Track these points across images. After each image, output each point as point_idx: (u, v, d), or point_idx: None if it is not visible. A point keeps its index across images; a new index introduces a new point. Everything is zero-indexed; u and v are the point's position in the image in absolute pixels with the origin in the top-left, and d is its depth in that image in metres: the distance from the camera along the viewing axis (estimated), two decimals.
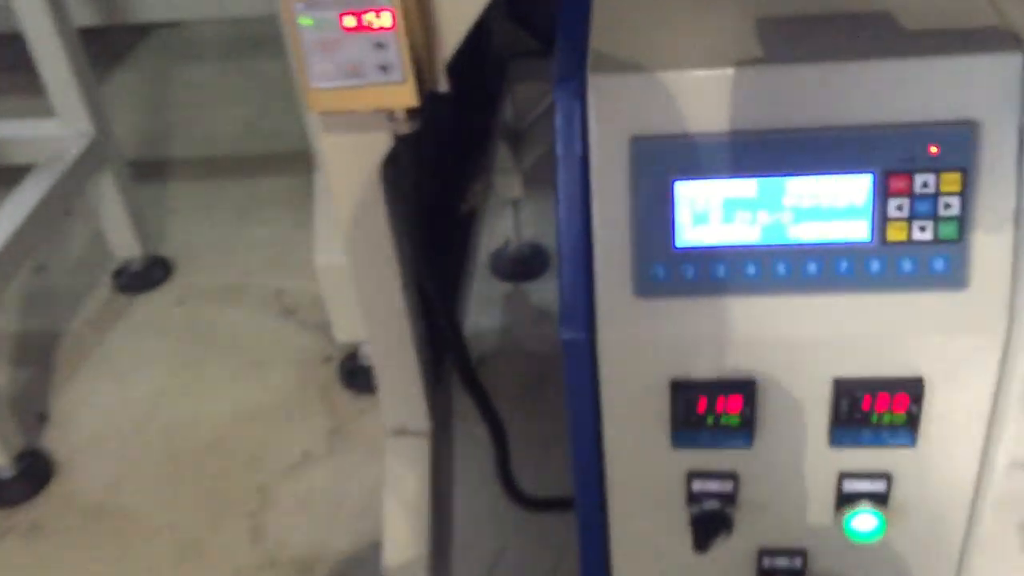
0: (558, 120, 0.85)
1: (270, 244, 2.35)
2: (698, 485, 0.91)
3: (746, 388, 0.87)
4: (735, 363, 0.86)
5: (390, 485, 1.13)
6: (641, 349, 0.89)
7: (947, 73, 0.79)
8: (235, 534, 1.68)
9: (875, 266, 0.84)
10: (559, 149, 0.86)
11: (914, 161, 0.81)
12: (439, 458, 1.17)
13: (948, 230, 0.82)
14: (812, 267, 0.85)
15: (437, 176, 1.31)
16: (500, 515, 1.50)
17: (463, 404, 1.17)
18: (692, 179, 0.84)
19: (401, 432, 1.13)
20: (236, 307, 2.17)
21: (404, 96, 0.93)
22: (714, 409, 0.90)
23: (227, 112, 2.93)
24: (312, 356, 2.00)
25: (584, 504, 0.98)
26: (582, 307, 0.88)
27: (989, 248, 0.83)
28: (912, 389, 0.88)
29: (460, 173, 1.46)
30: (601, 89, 0.83)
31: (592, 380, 0.92)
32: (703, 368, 0.88)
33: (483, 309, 2.03)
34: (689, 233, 0.85)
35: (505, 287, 2.10)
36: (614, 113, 0.83)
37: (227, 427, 1.86)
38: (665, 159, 0.83)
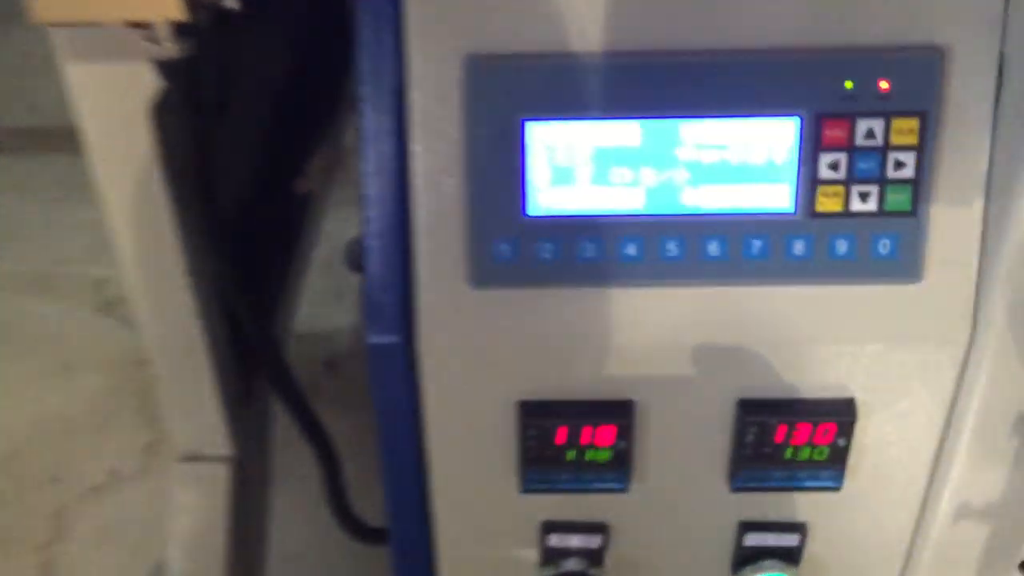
0: (361, 36, 0.59)
1: (93, 227, 2.03)
2: (555, 540, 0.72)
3: (621, 412, 0.66)
4: (607, 378, 0.66)
5: (175, 519, 0.98)
6: (478, 358, 0.64)
7: None
8: (19, 572, 1.45)
9: (798, 247, 0.61)
10: (363, 80, 0.60)
11: (856, 100, 0.58)
12: (246, 487, 1.01)
13: (899, 199, 0.60)
14: (713, 247, 0.61)
15: (256, 145, 1.06)
16: (332, 548, 1.26)
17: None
18: (550, 119, 0.59)
19: (194, 457, 0.98)
20: (48, 298, 1.92)
21: (164, 3, 0.66)
22: (577, 440, 0.66)
23: (55, 79, 2.58)
24: (130, 358, 1.78)
25: (401, 556, 0.72)
26: (395, 300, 0.63)
27: (952, 226, 0.61)
28: (841, 415, 0.66)
29: (294, 143, 1.19)
30: None
31: (411, 400, 0.66)
32: (563, 385, 0.66)
33: (333, 305, 1.82)
34: (545, 197, 0.60)
35: (361, 280, 1.82)
36: (441, 22, 0.58)
37: (23, 439, 1.64)
38: (512, 89, 0.59)
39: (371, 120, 0.61)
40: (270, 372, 0.93)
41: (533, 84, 0.59)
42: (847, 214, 0.61)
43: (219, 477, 0.96)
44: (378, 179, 0.62)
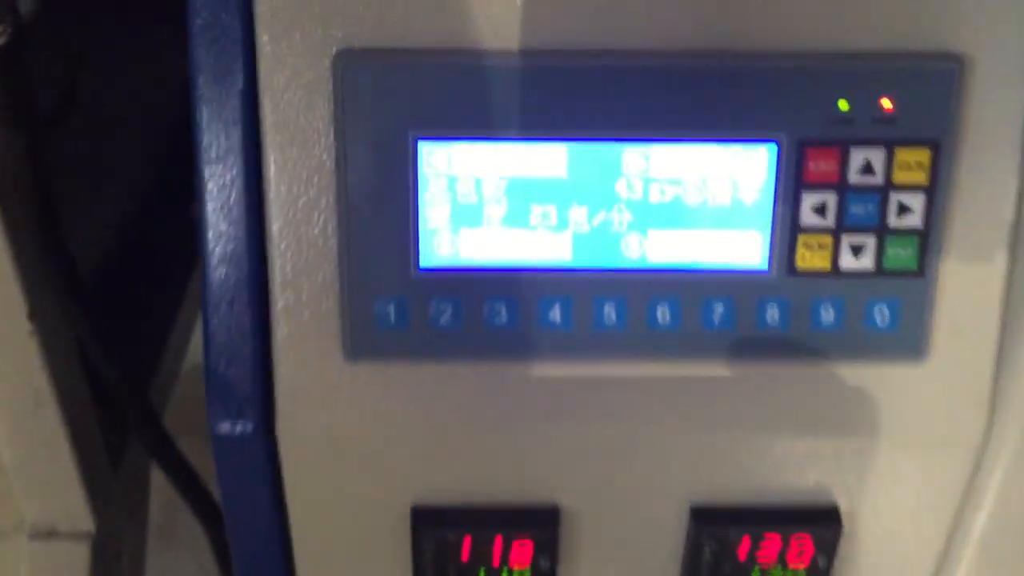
0: (193, 25, 0.44)
1: None
2: None
3: (542, 522, 0.52)
4: (523, 478, 0.51)
5: None
6: (357, 451, 0.49)
7: None
8: None
9: (772, 314, 0.46)
10: (198, 79, 0.45)
11: (850, 124, 0.44)
12: (111, 567, 0.89)
13: (902, 254, 0.46)
14: (662, 313, 0.46)
15: (125, 161, 0.92)
16: None
17: None
18: (451, 139, 0.44)
19: (47, 535, 0.85)
20: None
21: None
22: (486, 557, 0.51)
23: None
24: None
25: None
26: (246, 376, 0.47)
27: (968, 290, 0.47)
28: (821, 526, 0.51)
29: (182, 159, 1.04)
30: None
31: (272, 504, 0.50)
32: (467, 486, 0.51)
33: None
34: (444, 243, 0.45)
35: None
36: (302, 4, 0.43)
37: None
38: (400, 98, 0.44)
39: (210, 134, 0.46)
40: (142, 435, 0.82)
41: (428, 91, 0.45)
42: (835, 273, 0.47)
43: (78, 557, 0.84)
44: (221, 215, 0.46)
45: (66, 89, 0.70)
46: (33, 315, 0.70)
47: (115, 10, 0.79)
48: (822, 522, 0.52)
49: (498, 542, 0.51)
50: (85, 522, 0.82)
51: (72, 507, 0.82)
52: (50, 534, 0.83)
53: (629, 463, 0.51)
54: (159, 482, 0.93)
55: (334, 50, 0.44)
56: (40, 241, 0.69)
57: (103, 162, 0.85)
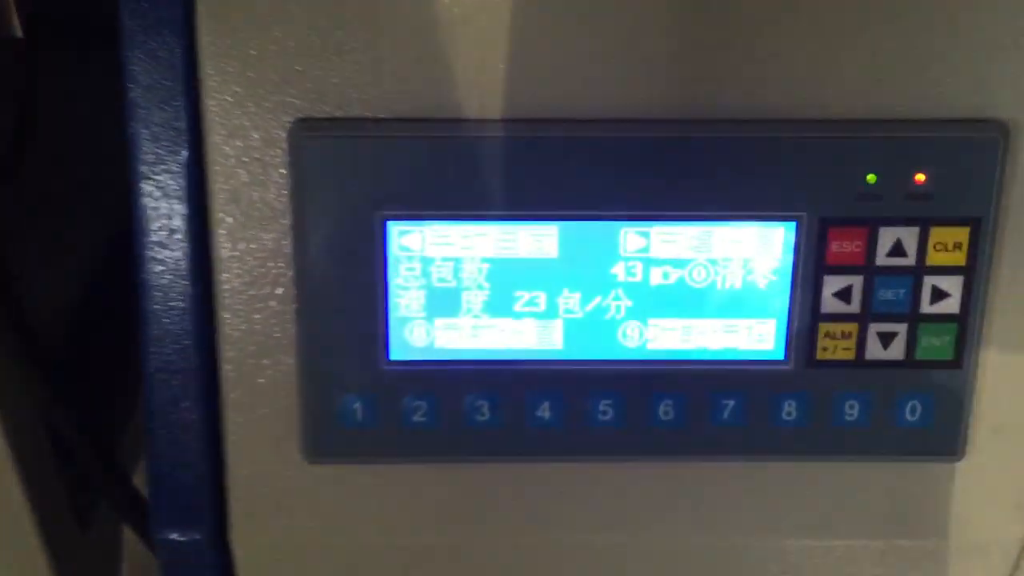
0: (130, 89, 0.39)
1: None
2: None
3: None
4: None
5: None
6: (320, 561, 0.43)
7: (956, 33, 0.37)
8: None
9: (788, 410, 0.41)
10: (137, 148, 0.39)
11: (879, 200, 0.38)
12: None
13: (937, 344, 0.40)
14: (665, 410, 0.41)
15: (87, 198, 0.86)
16: None
17: None
18: (424, 219, 0.38)
19: None
20: None
21: None
22: None
23: None
24: None
25: None
26: (194, 478, 0.41)
27: (1011, 381, 0.41)
28: None
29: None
30: (219, 16, 0.37)
31: None
32: None
33: None
34: (417, 333, 0.40)
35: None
36: (253, 67, 0.37)
37: None
38: (367, 173, 0.38)
39: (151, 211, 0.40)
40: (110, 498, 0.76)
41: (398, 165, 0.39)
42: (861, 363, 0.41)
43: None
44: (164, 300, 0.41)
45: (13, 141, 0.65)
46: None
47: (72, 47, 0.73)
48: None
49: None
50: None
51: (34, 573, 0.77)
52: None
53: (629, 567, 0.45)
54: (133, 541, 0.88)
55: (291, 119, 0.39)
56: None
57: (65, 213, 0.80)
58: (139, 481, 0.84)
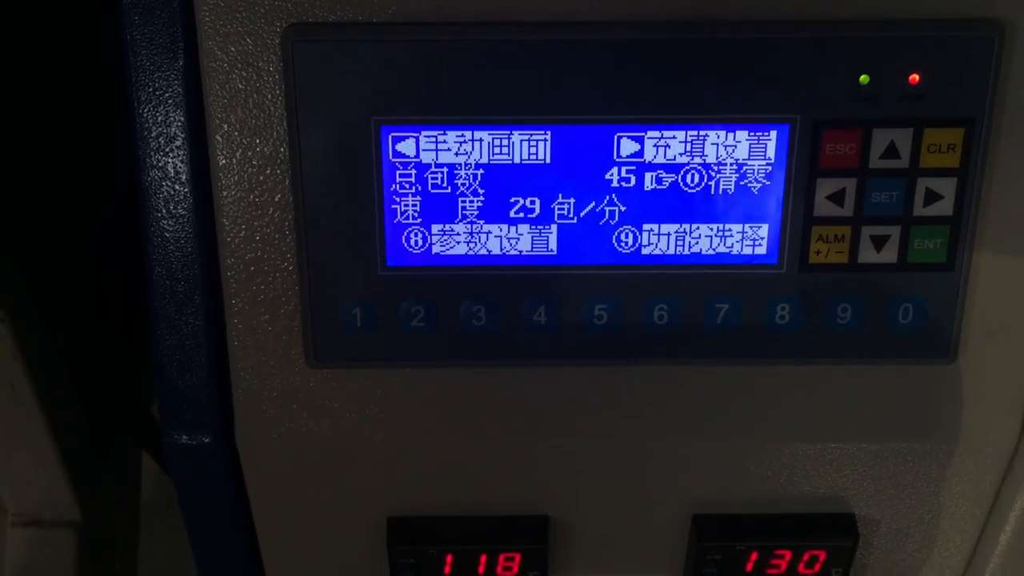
0: (125, 2, 0.39)
1: None
2: None
3: (530, 533, 0.47)
4: (508, 487, 0.47)
5: None
6: (324, 461, 0.44)
7: None
8: None
9: (783, 314, 0.42)
10: (132, 58, 0.39)
11: (872, 102, 0.38)
12: (99, 556, 0.88)
13: (930, 246, 0.41)
14: (659, 312, 0.42)
15: (99, 141, 0.87)
16: None
17: None
18: (420, 126, 0.39)
19: (32, 523, 0.84)
20: None
21: None
22: (471, 572, 0.46)
23: None
24: None
25: None
26: (202, 383, 0.43)
27: (1003, 283, 0.41)
28: (836, 536, 0.46)
29: None
30: None
31: (235, 516, 0.46)
32: (447, 496, 0.47)
33: None
34: (414, 239, 0.40)
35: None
36: None
37: None
38: (361, 79, 0.38)
39: (149, 120, 0.40)
40: (127, 426, 0.81)
41: (392, 71, 0.39)
42: (854, 267, 0.42)
43: (64, 546, 0.83)
44: (164, 210, 0.42)
45: (20, 76, 0.66)
46: (5, 306, 0.68)
47: None
48: (838, 532, 0.47)
49: (484, 557, 0.47)
50: (71, 511, 0.81)
51: (56, 496, 0.81)
52: (33, 523, 0.82)
53: (624, 469, 0.46)
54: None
55: (284, 24, 0.39)
56: (11, 234, 0.67)
57: (76, 152, 0.81)
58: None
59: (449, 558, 0.47)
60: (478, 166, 0.41)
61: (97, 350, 0.79)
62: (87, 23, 0.74)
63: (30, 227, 0.69)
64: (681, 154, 0.40)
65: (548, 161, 0.41)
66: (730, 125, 0.40)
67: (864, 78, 0.39)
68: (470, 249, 0.42)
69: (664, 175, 0.41)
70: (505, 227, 0.42)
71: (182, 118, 0.41)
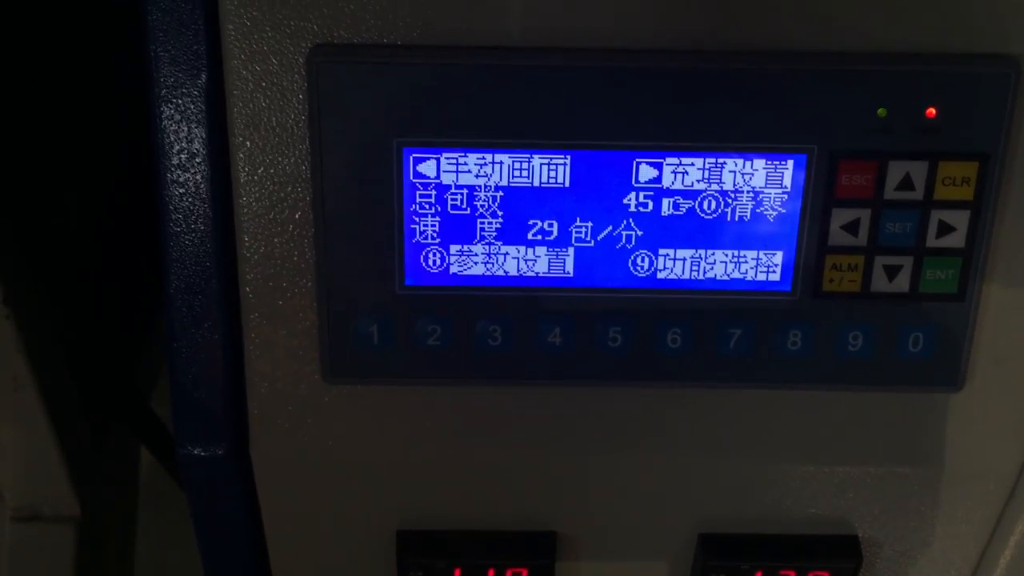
0: (149, 12, 0.39)
1: None
2: None
3: (538, 549, 0.47)
4: (518, 503, 0.48)
5: None
6: (336, 474, 0.45)
7: None
8: None
9: (795, 340, 0.42)
10: (156, 73, 0.40)
11: (888, 134, 0.39)
12: (98, 551, 0.88)
13: (941, 277, 0.41)
14: (673, 337, 0.42)
15: (102, 126, 0.87)
16: None
17: None
18: (440, 148, 0.39)
19: (31, 517, 0.84)
20: None
21: None
22: None
23: None
24: None
25: None
26: (219, 398, 0.43)
27: (1012, 315, 0.42)
28: (839, 558, 0.47)
29: None
30: None
31: (247, 528, 0.46)
32: (457, 511, 0.48)
33: None
34: (432, 259, 0.41)
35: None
36: None
37: None
38: (384, 100, 0.39)
39: (171, 135, 0.41)
40: (124, 417, 0.79)
41: (415, 93, 0.40)
42: (866, 295, 0.42)
43: (63, 540, 0.83)
44: (184, 224, 0.42)
45: (25, 67, 0.65)
46: (8, 299, 0.67)
47: None
48: (841, 554, 0.48)
49: (491, 573, 0.48)
50: (69, 505, 0.81)
51: (55, 490, 0.81)
52: (33, 517, 0.82)
53: (632, 489, 0.47)
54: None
55: (309, 45, 0.39)
56: (12, 224, 0.66)
57: (79, 140, 0.81)
58: (157, 404, 0.86)
59: (457, 572, 0.48)
60: (497, 188, 0.41)
61: (97, 342, 0.79)
62: (91, 16, 0.74)
63: (31, 217, 0.68)
64: (699, 181, 0.41)
65: (567, 185, 0.41)
66: (748, 154, 0.40)
67: (881, 111, 0.39)
68: (487, 270, 0.42)
69: (681, 201, 0.41)
70: (523, 249, 0.42)
71: (204, 134, 0.41)
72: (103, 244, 0.85)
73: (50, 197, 0.74)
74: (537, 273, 0.42)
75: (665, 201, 0.41)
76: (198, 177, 0.41)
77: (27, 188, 0.68)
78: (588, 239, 0.42)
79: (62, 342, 0.74)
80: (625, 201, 0.41)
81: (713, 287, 0.42)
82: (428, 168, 0.41)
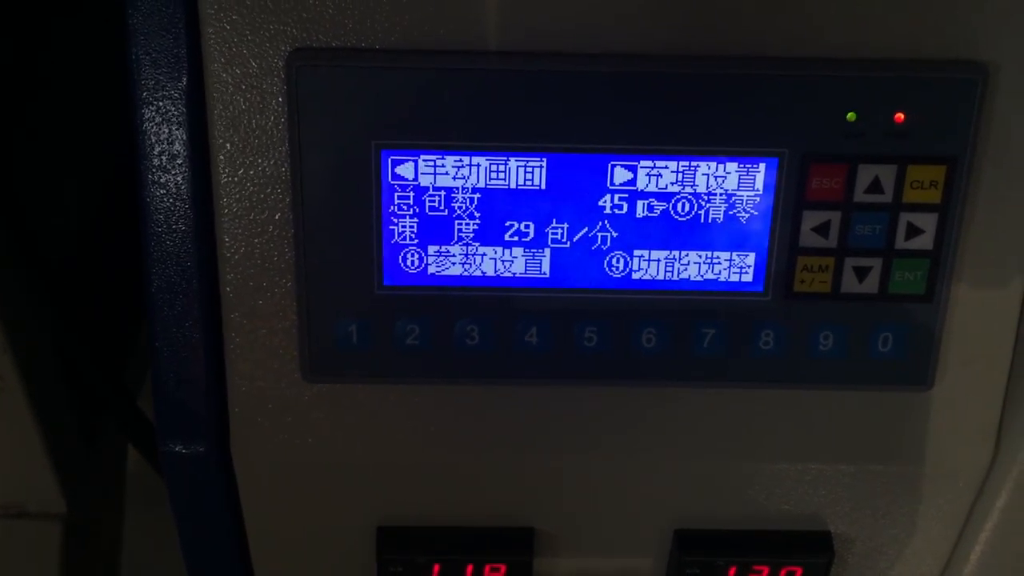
0: (131, 16, 0.40)
1: None
2: None
3: (515, 544, 0.48)
4: (496, 499, 0.48)
5: None
6: (316, 472, 0.45)
7: None
8: None
9: (767, 340, 0.43)
10: (137, 76, 0.40)
11: (858, 138, 0.40)
12: (84, 549, 0.87)
13: (910, 278, 0.42)
14: (648, 337, 0.43)
15: (95, 122, 0.87)
16: None
17: None
18: (418, 150, 0.40)
19: (17, 515, 0.83)
20: None
21: None
22: None
23: None
24: None
25: None
26: (200, 396, 0.43)
27: (980, 316, 0.43)
28: (812, 553, 0.47)
29: None
30: None
31: (228, 524, 0.47)
32: (436, 507, 0.48)
33: None
34: (410, 259, 0.41)
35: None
36: None
37: None
38: (363, 103, 0.39)
39: (152, 137, 0.41)
40: (114, 415, 0.79)
41: (393, 96, 0.40)
42: (836, 296, 0.43)
43: (49, 537, 0.82)
44: (165, 225, 0.42)
45: (21, 69, 0.66)
46: None
47: None
48: (814, 549, 0.49)
49: (470, 568, 0.48)
50: (56, 503, 0.80)
51: (42, 487, 0.80)
52: (20, 515, 0.82)
53: (608, 485, 0.48)
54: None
55: (288, 48, 0.40)
56: (2, 223, 0.66)
57: (70, 140, 0.81)
58: (145, 404, 0.86)
59: (436, 568, 0.48)
60: (475, 190, 0.42)
61: (88, 340, 0.79)
62: (87, 16, 0.75)
63: (23, 216, 0.69)
64: (672, 183, 0.42)
65: (543, 187, 0.42)
66: (721, 157, 0.41)
67: (851, 115, 0.40)
68: (465, 270, 0.43)
69: (656, 203, 0.42)
70: (500, 250, 0.43)
71: (185, 136, 0.41)
72: (94, 243, 0.85)
73: (42, 196, 0.74)
74: (514, 274, 0.43)
75: (640, 203, 0.42)
76: (179, 178, 0.42)
77: (18, 187, 0.68)
78: (564, 240, 0.42)
79: (51, 340, 0.74)
80: (600, 203, 0.42)
81: (687, 288, 0.43)
82: (406, 170, 0.41)
